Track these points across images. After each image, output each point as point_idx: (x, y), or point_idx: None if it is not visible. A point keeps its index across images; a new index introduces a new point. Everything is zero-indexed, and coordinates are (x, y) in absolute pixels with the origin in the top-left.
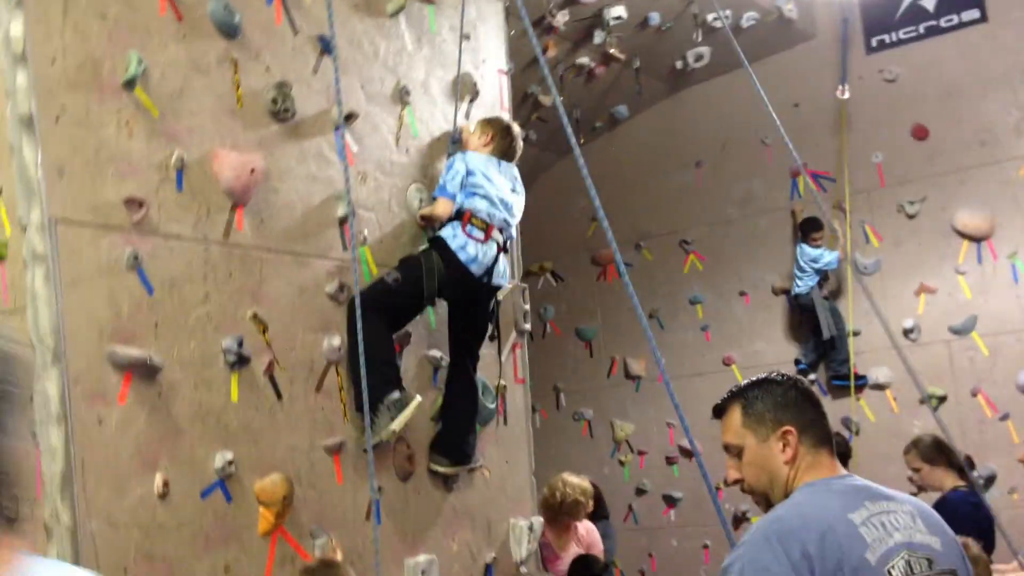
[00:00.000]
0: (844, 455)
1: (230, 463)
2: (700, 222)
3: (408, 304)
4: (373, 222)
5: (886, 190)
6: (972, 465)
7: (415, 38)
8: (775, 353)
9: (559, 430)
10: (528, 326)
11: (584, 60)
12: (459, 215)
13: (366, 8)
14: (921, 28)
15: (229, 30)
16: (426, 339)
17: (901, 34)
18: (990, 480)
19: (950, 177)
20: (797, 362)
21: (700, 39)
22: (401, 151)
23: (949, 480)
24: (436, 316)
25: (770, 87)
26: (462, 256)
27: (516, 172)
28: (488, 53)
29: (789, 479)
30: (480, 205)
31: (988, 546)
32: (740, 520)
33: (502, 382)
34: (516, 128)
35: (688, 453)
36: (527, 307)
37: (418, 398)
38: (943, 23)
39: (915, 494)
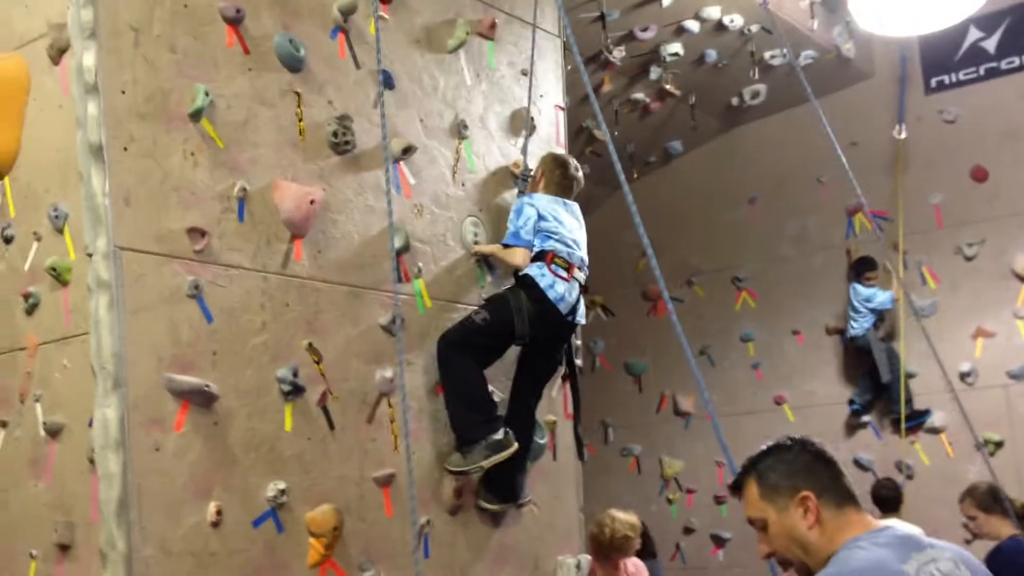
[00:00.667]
0: (895, 499)
1: (282, 492)
2: (753, 259)
3: (496, 344)
4: (428, 255)
5: (944, 231)
6: None
7: (474, 73)
8: (827, 393)
9: (606, 466)
10: (579, 361)
11: (640, 95)
12: (541, 256)
13: (427, 44)
14: (981, 70)
15: (294, 63)
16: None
17: (961, 75)
18: None
19: (1010, 220)
20: (851, 402)
21: (756, 76)
22: (457, 185)
23: (1006, 529)
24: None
25: (828, 125)
26: (551, 295)
27: (579, 211)
28: (546, 88)
29: (822, 544)
30: (558, 247)
31: None
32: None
33: (552, 417)
34: (572, 161)
35: None
36: (578, 342)
37: (515, 445)
38: (1004, 65)
39: (969, 542)
